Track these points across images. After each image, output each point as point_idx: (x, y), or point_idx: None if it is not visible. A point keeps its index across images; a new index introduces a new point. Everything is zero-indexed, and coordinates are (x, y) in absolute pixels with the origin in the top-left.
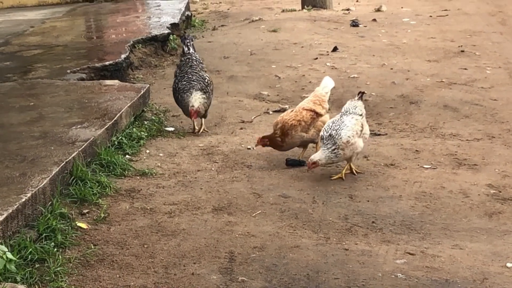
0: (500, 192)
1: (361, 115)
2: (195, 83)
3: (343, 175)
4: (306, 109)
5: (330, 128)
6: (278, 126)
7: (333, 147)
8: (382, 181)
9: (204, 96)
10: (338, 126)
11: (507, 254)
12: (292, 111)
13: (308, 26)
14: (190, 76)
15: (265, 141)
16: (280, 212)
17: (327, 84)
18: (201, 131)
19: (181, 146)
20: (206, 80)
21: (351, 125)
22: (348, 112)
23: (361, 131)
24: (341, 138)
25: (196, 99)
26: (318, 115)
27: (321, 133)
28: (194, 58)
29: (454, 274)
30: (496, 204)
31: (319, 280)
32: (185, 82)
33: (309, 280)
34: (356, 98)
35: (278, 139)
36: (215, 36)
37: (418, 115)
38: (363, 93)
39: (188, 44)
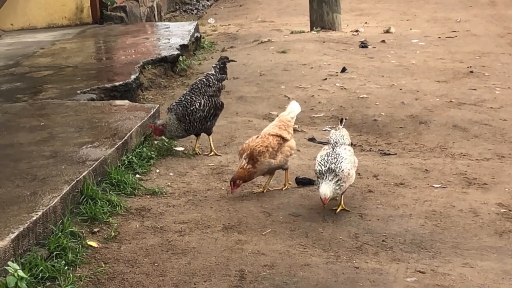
0: (510, 211)
1: (349, 144)
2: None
3: (344, 205)
4: (272, 135)
5: (327, 162)
6: (246, 153)
7: (336, 179)
8: (392, 200)
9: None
10: (336, 159)
11: None
12: (257, 137)
13: (317, 47)
14: (182, 97)
15: (238, 182)
16: (290, 231)
17: (293, 109)
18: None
19: (191, 166)
20: (192, 107)
21: (348, 157)
22: (338, 143)
23: (354, 161)
24: (342, 171)
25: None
26: (285, 140)
27: (318, 168)
28: (204, 79)
29: None
30: (506, 223)
31: None
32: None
33: None
34: (341, 126)
35: (248, 169)
36: None
37: (428, 135)
38: (345, 119)
39: (218, 66)
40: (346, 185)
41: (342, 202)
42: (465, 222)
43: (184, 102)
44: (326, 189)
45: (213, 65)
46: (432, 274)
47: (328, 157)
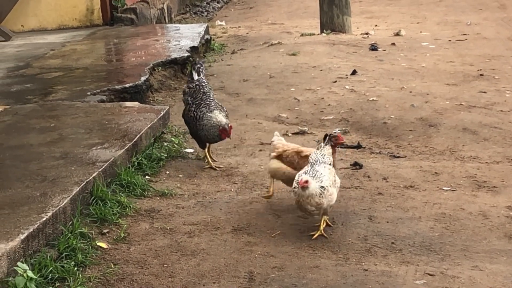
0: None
1: (330, 164)
2: (215, 109)
3: (322, 231)
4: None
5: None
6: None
7: (321, 186)
8: (402, 202)
9: (226, 115)
10: (314, 175)
11: None
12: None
13: (327, 49)
14: (208, 102)
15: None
16: (300, 233)
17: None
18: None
19: (201, 167)
20: (224, 109)
21: (327, 174)
22: (318, 162)
23: (334, 181)
24: (322, 182)
25: (222, 118)
26: None
27: (295, 187)
28: (204, 84)
29: None
30: None
31: None
32: (204, 110)
33: None
34: (323, 143)
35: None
36: (234, 60)
37: (437, 138)
38: (330, 136)
39: (199, 70)
40: (325, 202)
41: (322, 227)
42: (475, 225)
43: (217, 104)
44: (311, 180)
45: (199, 70)
46: (441, 277)
47: (306, 174)
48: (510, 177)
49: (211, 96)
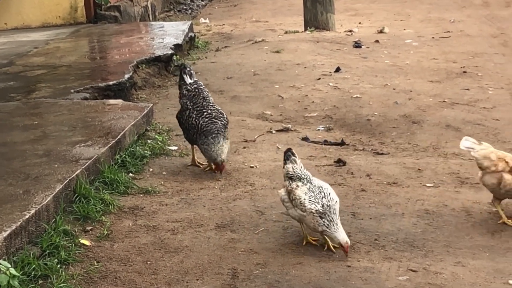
0: (502, 210)
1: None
2: (219, 122)
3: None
4: None
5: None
6: None
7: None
8: (385, 199)
9: (228, 141)
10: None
11: (509, 271)
12: None
13: (311, 47)
14: (210, 111)
15: None
16: (283, 230)
17: None
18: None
19: (184, 165)
20: (225, 116)
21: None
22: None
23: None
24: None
25: (224, 151)
26: None
27: (312, 206)
28: (202, 87)
29: None
30: (498, 222)
31: None
32: (207, 120)
33: None
34: (297, 158)
35: None
36: (218, 57)
37: (421, 135)
38: (290, 152)
39: (191, 72)
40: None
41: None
42: (458, 221)
43: (218, 115)
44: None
45: (190, 72)
46: (424, 273)
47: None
48: None
49: (211, 101)
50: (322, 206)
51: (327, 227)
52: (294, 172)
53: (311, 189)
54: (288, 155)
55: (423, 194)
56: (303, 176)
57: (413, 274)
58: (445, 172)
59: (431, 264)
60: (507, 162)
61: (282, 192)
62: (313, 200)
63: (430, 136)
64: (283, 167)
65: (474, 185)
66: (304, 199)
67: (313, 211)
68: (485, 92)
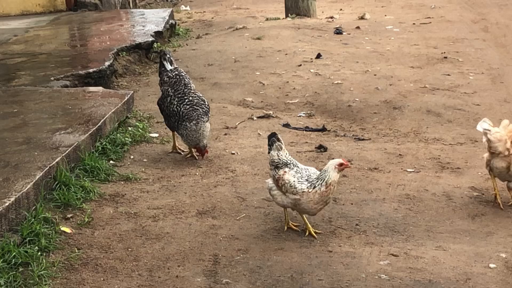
0: (483, 194)
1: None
2: (200, 109)
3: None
4: None
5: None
6: None
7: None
8: (366, 184)
9: (209, 121)
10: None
11: (489, 255)
12: None
13: (292, 33)
14: (191, 98)
15: None
16: (264, 216)
17: None
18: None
19: (165, 152)
20: (206, 102)
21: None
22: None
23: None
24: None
25: (206, 135)
26: None
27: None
28: (183, 74)
29: (437, 275)
30: (479, 206)
31: (303, 282)
32: (188, 107)
33: (293, 281)
34: (281, 144)
35: None
36: (199, 44)
37: (402, 120)
38: (274, 137)
39: (171, 59)
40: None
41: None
42: (438, 205)
43: (200, 102)
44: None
45: (171, 59)
46: (405, 257)
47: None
48: (473, 158)
49: (192, 88)
50: None
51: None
52: (280, 159)
53: (298, 171)
54: (272, 140)
55: (404, 179)
56: (289, 161)
57: (394, 259)
58: (426, 157)
59: (412, 248)
60: None
61: (269, 181)
62: (302, 181)
63: (411, 122)
64: (268, 153)
65: (455, 170)
66: (294, 181)
67: (305, 190)
68: (465, 77)
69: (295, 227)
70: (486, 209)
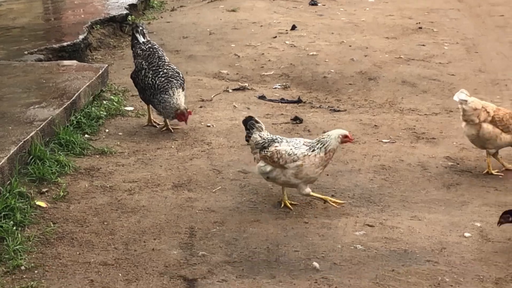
0: (458, 164)
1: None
2: (175, 81)
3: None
4: None
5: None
6: None
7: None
8: (341, 155)
9: (184, 93)
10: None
11: (464, 224)
12: None
13: (267, 5)
14: (165, 70)
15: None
16: (240, 188)
17: None
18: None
19: (141, 125)
20: (181, 75)
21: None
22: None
23: None
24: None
25: (182, 100)
26: None
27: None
28: (157, 47)
29: (412, 245)
30: (454, 176)
31: (279, 253)
32: (163, 79)
33: (269, 253)
34: (261, 125)
35: None
36: (174, 17)
37: (377, 91)
38: (253, 121)
39: (143, 32)
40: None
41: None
42: (414, 176)
43: (174, 74)
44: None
45: (144, 32)
46: (381, 228)
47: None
48: (448, 128)
49: (166, 61)
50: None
51: None
52: (265, 139)
53: (289, 141)
54: (251, 123)
55: (379, 149)
56: (274, 138)
57: (370, 229)
58: (401, 127)
59: (388, 218)
60: (488, 112)
61: (260, 164)
62: (299, 146)
63: (386, 92)
64: (249, 140)
65: (430, 140)
66: (291, 149)
67: (305, 153)
68: (440, 47)
69: (290, 206)
70: (461, 178)
